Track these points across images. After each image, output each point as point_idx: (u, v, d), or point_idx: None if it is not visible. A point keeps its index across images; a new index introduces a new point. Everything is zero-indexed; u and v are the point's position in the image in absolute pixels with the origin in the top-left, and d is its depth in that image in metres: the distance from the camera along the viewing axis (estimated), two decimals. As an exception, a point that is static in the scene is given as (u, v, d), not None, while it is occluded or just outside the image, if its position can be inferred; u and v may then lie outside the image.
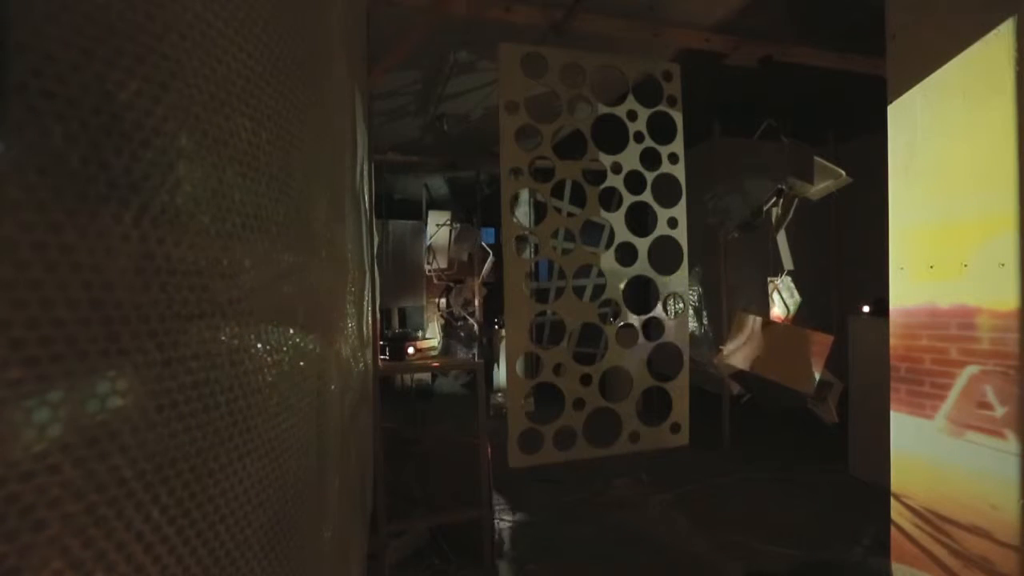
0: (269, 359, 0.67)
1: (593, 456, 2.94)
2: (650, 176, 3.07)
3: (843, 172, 3.07)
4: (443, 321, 6.93)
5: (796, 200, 3.23)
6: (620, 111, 3.01)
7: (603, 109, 2.99)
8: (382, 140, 5.43)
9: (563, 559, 2.97)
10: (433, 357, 5.72)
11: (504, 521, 3.38)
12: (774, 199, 3.38)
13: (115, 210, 0.45)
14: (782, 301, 3.74)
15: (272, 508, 0.68)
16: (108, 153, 0.45)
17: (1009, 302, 2.08)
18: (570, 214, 4.18)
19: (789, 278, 3.65)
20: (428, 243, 6.79)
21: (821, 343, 3.08)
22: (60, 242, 0.41)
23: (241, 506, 0.60)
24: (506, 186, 2.84)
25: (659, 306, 3.17)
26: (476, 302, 6.58)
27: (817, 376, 3.04)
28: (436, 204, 7.61)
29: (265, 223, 0.68)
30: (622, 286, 3.07)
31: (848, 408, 4.10)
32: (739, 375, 3.48)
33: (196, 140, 0.54)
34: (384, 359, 4.97)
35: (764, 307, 4.82)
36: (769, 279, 4.50)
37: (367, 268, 2.02)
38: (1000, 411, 2.12)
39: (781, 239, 3.46)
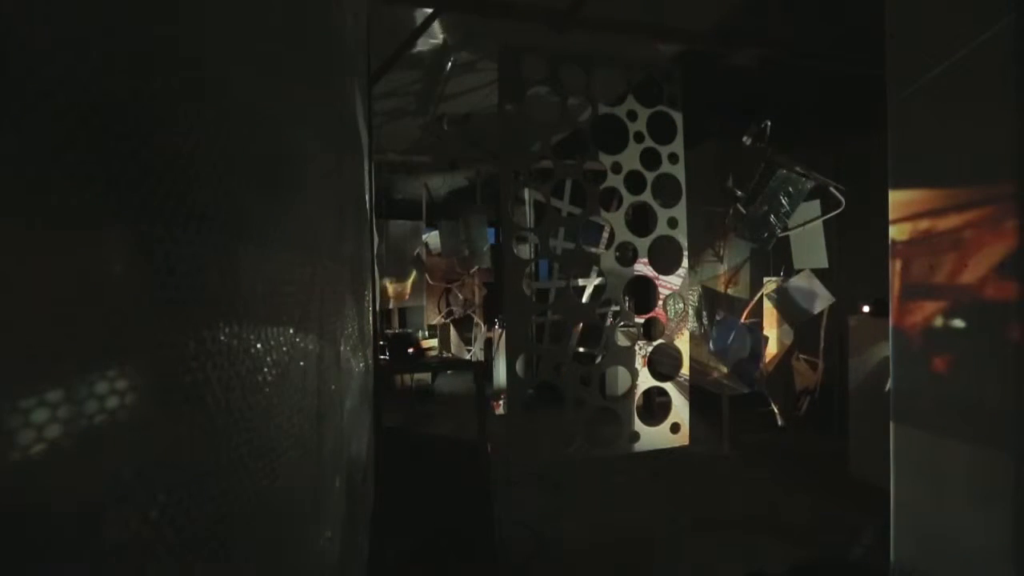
0: (269, 359, 0.67)
1: (593, 456, 2.95)
2: (650, 176, 3.07)
3: (805, 174, 3.13)
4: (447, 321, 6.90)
5: (835, 191, 3.27)
6: (620, 111, 3.01)
7: (603, 109, 2.99)
8: (382, 140, 5.42)
9: (563, 559, 2.97)
10: (433, 357, 5.72)
11: (504, 521, 3.38)
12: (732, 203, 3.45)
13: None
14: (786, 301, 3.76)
15: (272, 509, 0.68)
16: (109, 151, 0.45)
17: (1009, 302, 2.08)
18: (570, 214, 4.18)
19: (803, 276, 3.69)
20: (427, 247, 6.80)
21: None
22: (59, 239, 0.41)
23: (242, 507, 0.60)
24: (506, 186, 2.84)
25: (659, 306, 3.17)
26: (476, 301, 6.57)
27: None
28: (436, 204, 7.60)
29: (266, 223, 0.68)
30: (622, 286, 3.07)
31: (848, 408, 4.10)
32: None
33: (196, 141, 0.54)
34: (384, 359, 4.96)
35: (760, 307, 4.83)
36: (766, 279, 4.50)
37: (367, 268, 2.02)
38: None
39: (797, 237, 3.50)
